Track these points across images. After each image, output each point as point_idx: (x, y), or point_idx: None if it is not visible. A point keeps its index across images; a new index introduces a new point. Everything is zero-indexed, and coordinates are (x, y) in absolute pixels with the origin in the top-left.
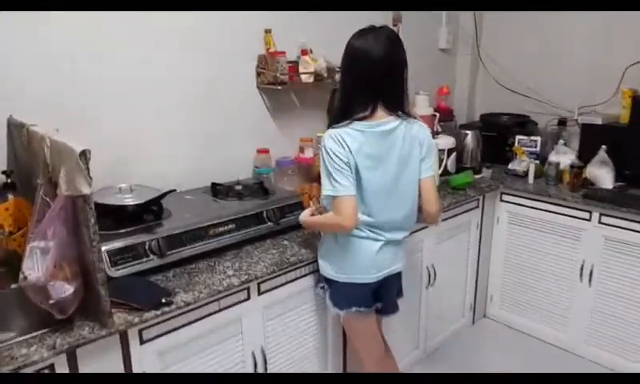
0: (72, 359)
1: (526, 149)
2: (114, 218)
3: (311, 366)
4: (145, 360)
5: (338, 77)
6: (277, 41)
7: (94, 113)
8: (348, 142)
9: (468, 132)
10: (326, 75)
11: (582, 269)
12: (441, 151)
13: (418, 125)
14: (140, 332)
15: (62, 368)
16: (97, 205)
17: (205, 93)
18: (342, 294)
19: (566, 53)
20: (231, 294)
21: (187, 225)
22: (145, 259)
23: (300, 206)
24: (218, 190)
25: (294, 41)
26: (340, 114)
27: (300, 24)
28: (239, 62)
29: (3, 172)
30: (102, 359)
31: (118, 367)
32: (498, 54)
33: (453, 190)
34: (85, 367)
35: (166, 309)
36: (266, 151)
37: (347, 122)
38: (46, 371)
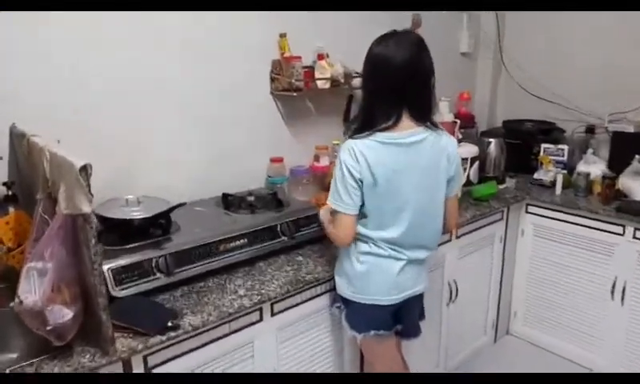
0: None
1: (553, 158)
2: (119, 232)
3: None
4: None
5: (354, 82)
6: (292, 45)
7: (98, 117)
8: (366, 155)
9: (491, 140)
10: (342, 81)
11: (613, 286)
12: (463, 160)
13: (446, 136)
14: (145, 358)
15: None
16: (101, 218)
17: (216, 100)
18: (360, 316)
19: (594, 57)
20: (242, 316)
21: (197, 240)
22: (151, 278)
23: (315, 219)
24: (229, 202)
25: (309, 45)
26: (361, 125)
27: (316, 27)
28: (253, 68)
29: (4, 183)
30: None
31: None
32: (522, 58)
33: (475, 201)
34: None
35: (172, 333)
36: (280, 160)
37: (368, 132)
38: None
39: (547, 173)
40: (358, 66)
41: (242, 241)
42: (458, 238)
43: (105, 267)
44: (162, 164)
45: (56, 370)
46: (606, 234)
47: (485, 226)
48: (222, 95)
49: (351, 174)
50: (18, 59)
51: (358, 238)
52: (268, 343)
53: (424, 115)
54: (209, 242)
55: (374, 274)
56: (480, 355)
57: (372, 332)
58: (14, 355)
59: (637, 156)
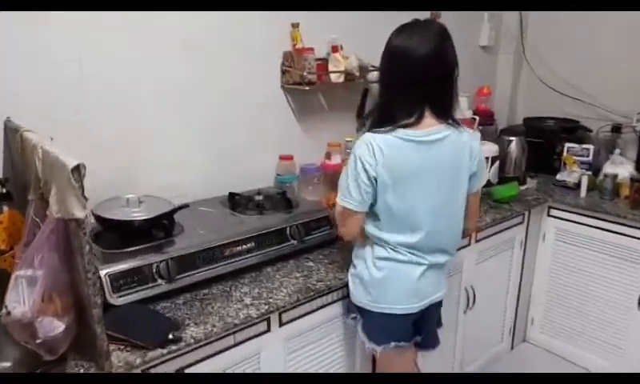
0: None
1: (577, 158)
2: (119, 234)
3: None
4: None
5: (369, 76)
6: (304, 36)
7: (98, 117)
8: (384, 152)
9: (512, 138)
10: (357, 74)
11: None
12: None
13: (468, 133)
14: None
15: None
16: (101, 219)
17: (223, 94)
18: (379, 327)
19: (621, 54)
20: (249, 327)
21: (201, 243)
22: (151, 284)
23: (326, 222)
24: (236, 202)
25: (323, 36)
26: (379, 121)
27: (330, 18)
28: (262, 60)
29: None
30: None
31: None
32: (545, 53)
33: (495, 203)
34: None
35: (174, 347)
36: (290, 158)
37: (390, 127)
38: None
39: (571, 174)
40: (374, 58)
41: (249, 245)
42: (477, 242)
43: (102, 272)
44: (164, 163)
45: None
46: (633, 240)
47: (505, 229)
48: (229, 90)
49: (365, 171)
50: (18, 59)
51: (375, 242)
52: (275, 354)
53: (446, 111)
54: (214, 246)
55: (392, 281)
56: (497, 362)
57: (392, 344)
58: (7, 364)
59: None
